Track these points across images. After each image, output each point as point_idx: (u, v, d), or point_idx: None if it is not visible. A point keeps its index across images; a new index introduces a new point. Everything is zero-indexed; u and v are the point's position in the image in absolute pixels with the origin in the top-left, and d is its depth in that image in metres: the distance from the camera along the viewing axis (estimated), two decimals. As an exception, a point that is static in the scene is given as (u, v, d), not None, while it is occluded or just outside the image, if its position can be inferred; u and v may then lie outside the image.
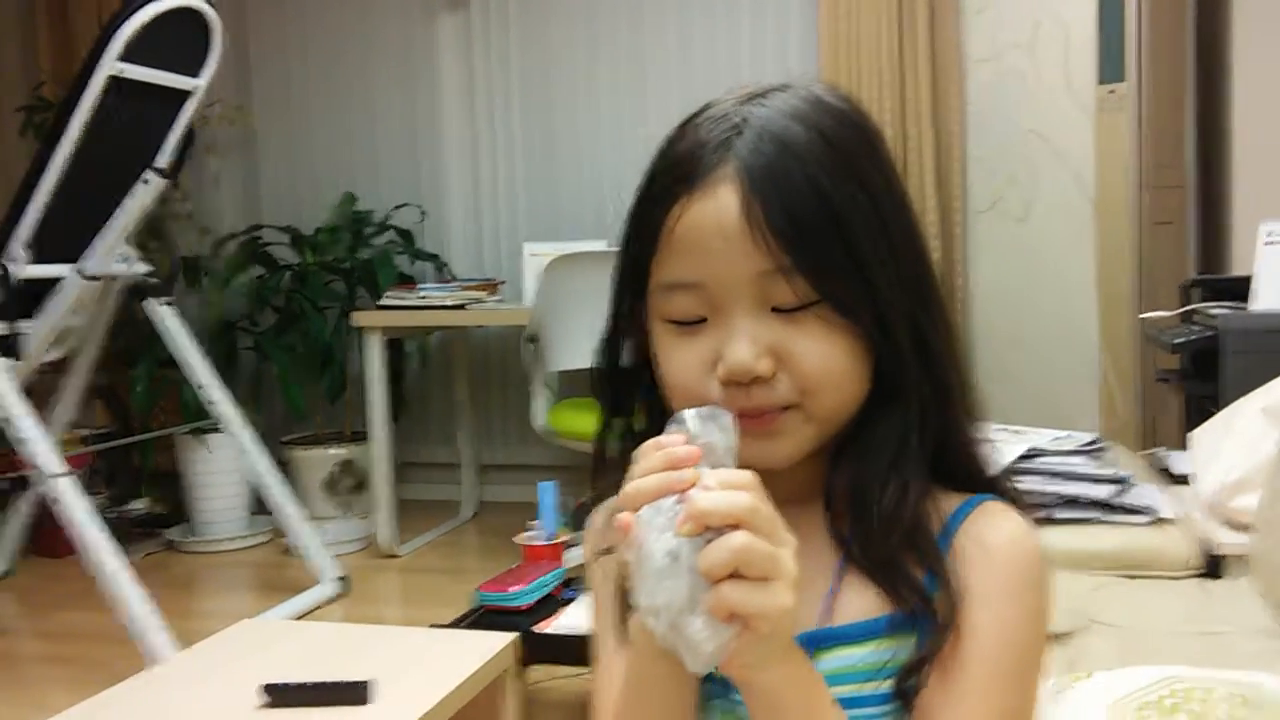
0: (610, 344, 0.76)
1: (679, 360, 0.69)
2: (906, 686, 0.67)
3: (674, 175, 0.69)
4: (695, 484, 0.57)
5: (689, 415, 0.62)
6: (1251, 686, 1.10)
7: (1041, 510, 1.99)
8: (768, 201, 0.65)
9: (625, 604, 0.70)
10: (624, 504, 0.59)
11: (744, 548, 0.55)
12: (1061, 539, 1.95)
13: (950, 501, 0.72)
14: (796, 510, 0.68)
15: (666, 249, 0.68)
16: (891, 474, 0.68)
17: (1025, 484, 2.01)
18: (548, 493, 2.41)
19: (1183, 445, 2.27)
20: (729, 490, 0.57)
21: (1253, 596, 1.66)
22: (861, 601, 0.69)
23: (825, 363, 0.67)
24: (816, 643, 0.68)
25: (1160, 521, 1.96)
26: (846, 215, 0.66)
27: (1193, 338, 2.33)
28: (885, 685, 0.67)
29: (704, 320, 0.68)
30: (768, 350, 0.66)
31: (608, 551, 0.74)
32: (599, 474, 0.77)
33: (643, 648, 0.64)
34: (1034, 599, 0.69)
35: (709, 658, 0.56)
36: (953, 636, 0.66)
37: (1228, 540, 1.81)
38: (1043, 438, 2.16)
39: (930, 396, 0.70)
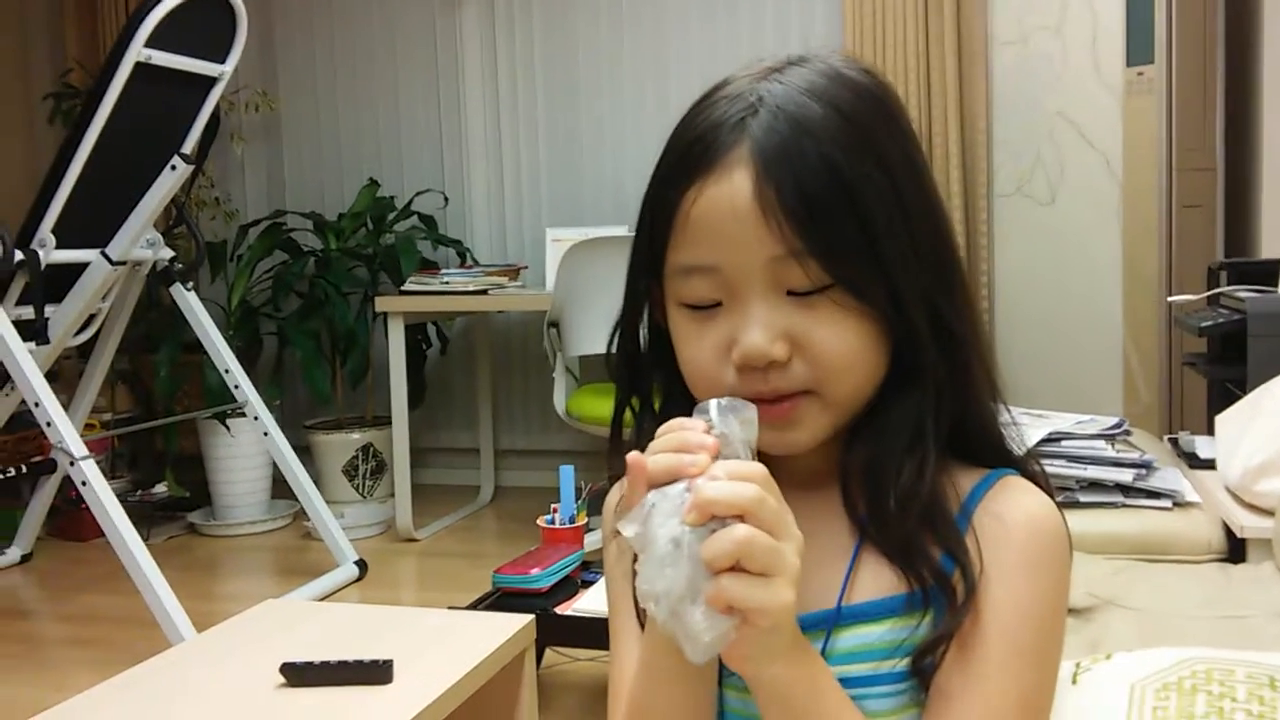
0: (626, 326, 0.76)
1: (695, 345, 0.69)
2: (924, 665, 0.66)
3: (690, 156, 0.68)
4: (704, 471, 0.57)
5: (711, 405, 0.62)
6: (1273, 668, 1.08)
7: (1064, 493, 1.98)
8: (781, 185, 0.64)
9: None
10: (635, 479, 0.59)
11: (747, 540, 0.55)
12: (1084, 522, 1.93)
13: (970, 478, 0.71)
14: (813, 492, 0.69)
15: (682, 232, 0.68)
16: (907, 456, 0.68)
17: (1047, 467, 1.98)
18: (568, 476, 2.42)
19: (1208, 430, 2.25)
20: (736, 481, 0.56)
21: (1275, 580, 1.64)
22: (879, 581, 0.68)
23: (841, 347, 0.66)
24: (834, 621, 0.68)
25: (1183, 505, 1.94)
26: (861, 194, 0.65)
27: (1220, 321, 2.30)
28: (902, 664, 0.67)
29: (720, 304, 0.68)
30: (783, 335, 0.66)
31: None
32: (615, 455, 0.76)
33: (657, 632, 0.63)
34: (1053, 575, 0.68)
35: (707, 648, 0.56)
36: (970, 615, 0.66)
37: (1250, 524, 1.79)
38: (1066, 421, 2.14)
39: (947, 378, 0.69)
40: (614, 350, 0.76)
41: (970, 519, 0.68)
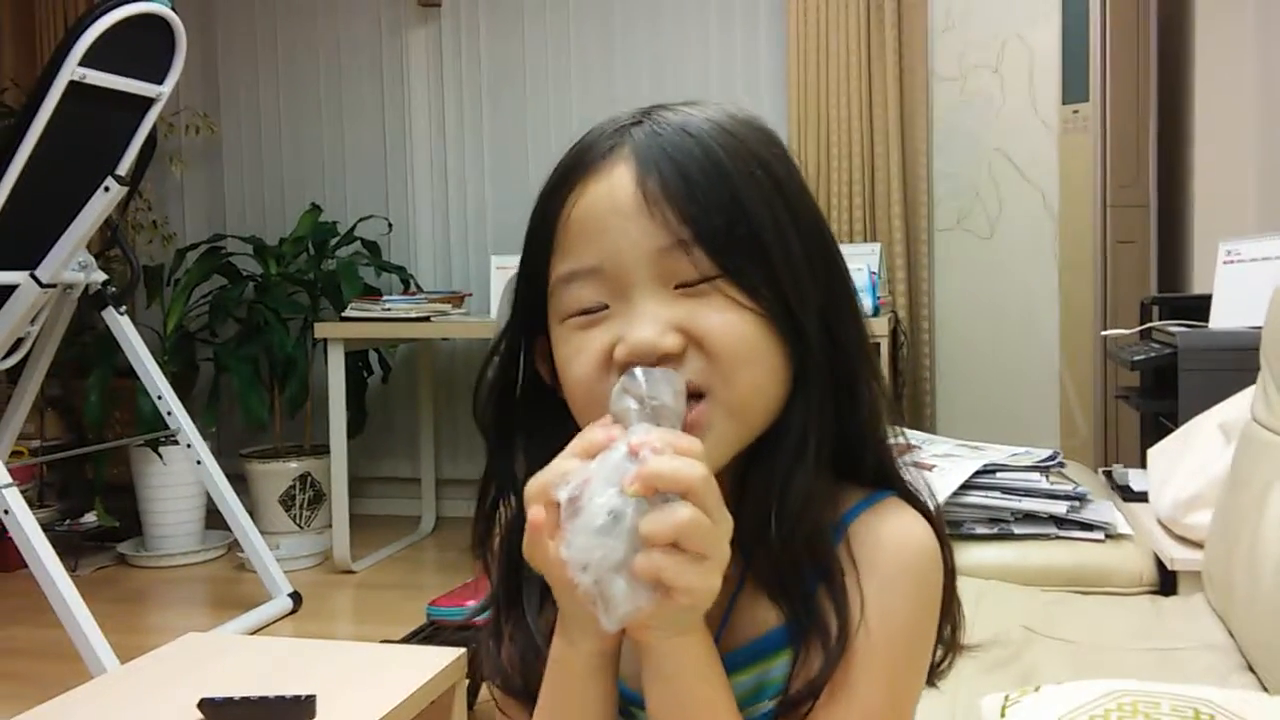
0: (505, 365, 0.72)
1: (578, 353, 0.65)
2: (805, 709, 0.64)
3: (569, 170, 0.67)
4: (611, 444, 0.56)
5: (639, 371, 0.60)
6: (1197, 700, 1.09)
7: (999, 524, 1.98)
8: (663, 175, 0.63)
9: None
10: (536, 490, 0.58)
11: (689, 522, 0.54)
12: (1017, 554, 1.94)
13: (850, 497, 0.69)
14: None
15: (563, 240, 0.66)
16: (790, 475, 0.65)
17: (982, 499, 2.00)
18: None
19: (1141, 462, 2.28)
20: (682, 458, 0.55)
21: (1205, 613, 1.65)
22: (754, 619, 0.66)
23: (735, 337, 0.63)
24: None
25: (1115, 538, 1.96)
26: (743, 188, 0.64)
27: (1152, 355, 2.33)
28: (769, 704, 0.65)
29: (606, 309, 0.65)
30: (674, 327, 0.63)
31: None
32: (483, 542, 0.73)
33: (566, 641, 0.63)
34: (918, 596, 0.67)
35: (623, 618, 0.56)
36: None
37: (1181, 556, 1.81)
38: (1001, 454, 2.15)
39: (832, 390, 0.67)
40: (484, 397, 0.72)
41: (843, 538, 0.67)
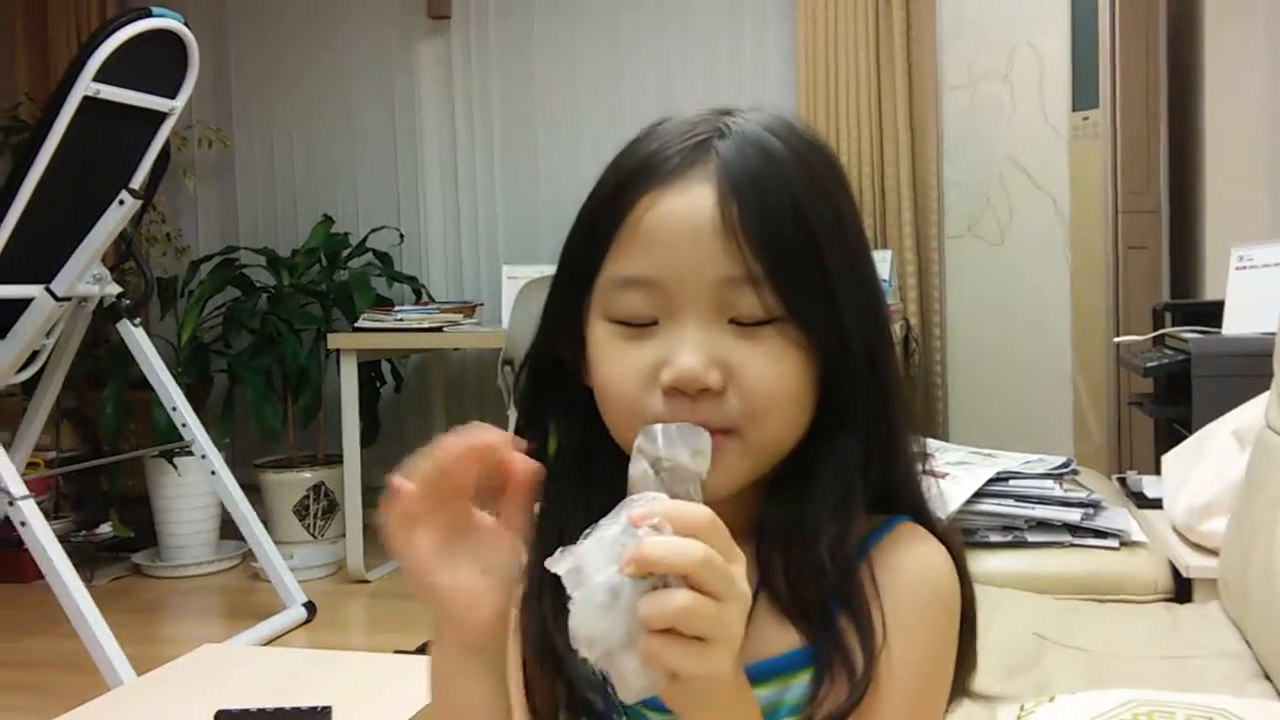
0: (543, 347, 0.71)
1: (619, 364, 0.65)
2: None
3: (644, 168, 0.65)
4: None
5: (658, 430, 0.58)
6: (1213, 709, 1.08)
7: (1012, 532, 1.98)
8: (746, 206, 0.62)
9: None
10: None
11: (685, 610, 0.51)
12: (1031, 562, 1.93)
13: (868, 521, 0.68)
14: None
15: (627, 242, 0.65)
16: (834, 520, 0.65)
17: (996, 506, 1.99)
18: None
19: (1155, 469, 2.27)
20: (682, 539, 0.52)
21: (1221, 621, 1.64)
22: (768, 638, 0.66)
23: (777, 384, 0.63)
24: None
25: (1130, 545, 1.95)
26: (819, 233, 0.64)
27: (1164, 361, 2.33)
28: None
29: (654, 324, 0.64)
30: (719, 363, 0.62)
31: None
32: None
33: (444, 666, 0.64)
34: (938, 629, 0.67)
35: (637, 693, 0.54)
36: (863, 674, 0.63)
37: (1196, 564, 1.80)
38: (1014, 461, 2.15)
39: (880, 429, 0.67)
40: (523, 375, 0.72)
41: (863, 563, 0.66)
